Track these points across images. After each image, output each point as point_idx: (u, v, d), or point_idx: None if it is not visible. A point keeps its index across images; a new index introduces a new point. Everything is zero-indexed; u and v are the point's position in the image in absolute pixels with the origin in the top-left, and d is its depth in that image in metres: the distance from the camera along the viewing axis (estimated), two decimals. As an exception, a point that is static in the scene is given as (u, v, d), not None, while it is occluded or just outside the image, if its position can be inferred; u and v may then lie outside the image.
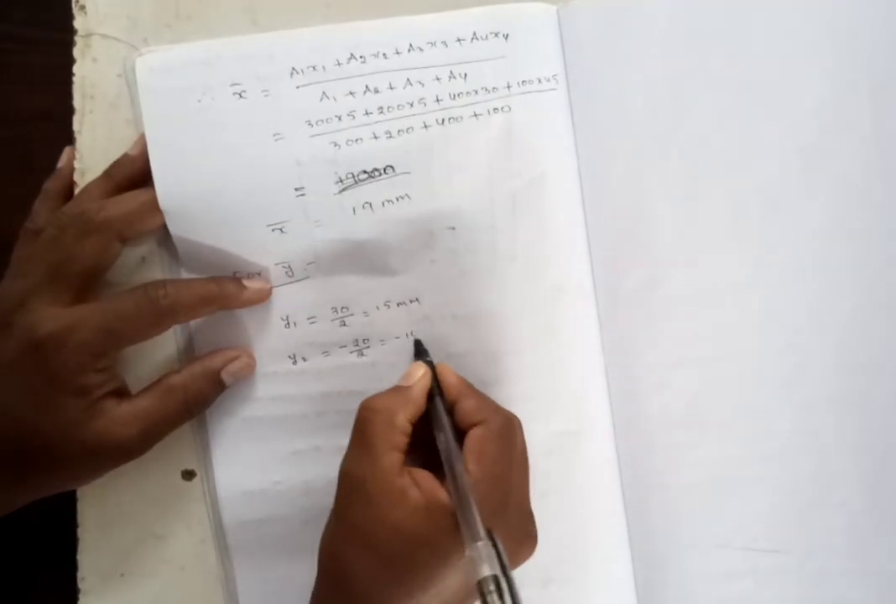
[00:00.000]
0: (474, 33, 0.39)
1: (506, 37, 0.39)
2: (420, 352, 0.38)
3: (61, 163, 0.39)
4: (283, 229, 0.38)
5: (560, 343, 0.39)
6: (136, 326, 0.34)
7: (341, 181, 0.38)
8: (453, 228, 0.39)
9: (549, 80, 0.39)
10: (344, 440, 0.34)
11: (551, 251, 0.39)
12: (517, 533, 0.34)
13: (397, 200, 0.38)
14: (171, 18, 0.40)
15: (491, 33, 0.39)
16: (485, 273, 0.39)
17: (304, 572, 0.38)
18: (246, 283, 0.37)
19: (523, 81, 0.39)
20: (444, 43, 0.39)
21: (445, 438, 0.33)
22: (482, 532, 0.29)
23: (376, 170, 0.38)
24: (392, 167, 0.38)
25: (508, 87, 0.39)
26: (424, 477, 0.32)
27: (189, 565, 0.39)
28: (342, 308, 0.38)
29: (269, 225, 0.38)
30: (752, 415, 0.39)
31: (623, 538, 0.40)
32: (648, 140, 0.39)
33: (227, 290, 0.36)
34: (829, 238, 0.39)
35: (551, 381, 0.39)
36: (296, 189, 0.38)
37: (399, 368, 0.38)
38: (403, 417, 0.33)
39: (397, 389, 0.35)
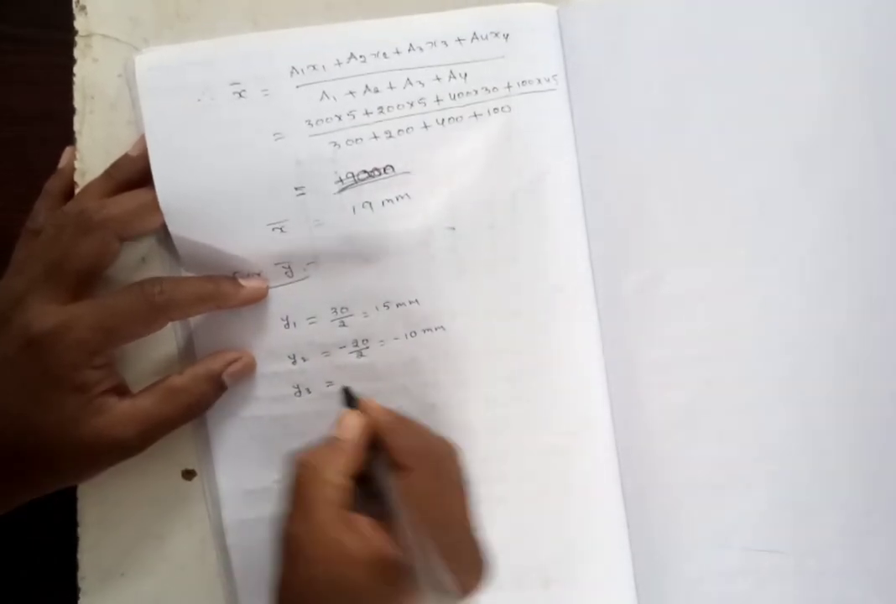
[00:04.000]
0: (474, 33, 0.39)
1: (506, 37, 0.39)
2: (351, 399, 0.36)
3: (62, 163, 0.39)
4: (283, 229, 0.38)
5: (560, 343, 0.39)
6: (132, 323, 0.34)
7: (341, 181, 0.38)
8: (453, 228, 0.39)
9: (548, 81, 0.39)
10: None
11: (551, 251, 0.39)
12: (467, 565, 0.33)
13: (397, 199, 0.38)
14: (171, 19, 0.40)
15: (491, 33, 0.39)
16: (485, 273, 0.39)
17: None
18: (242, 282, 0.37)
19: (523, 81, 0.39)
20: (445, 43, 0.39)
21: (383, 492, 0.33)
22: (449, 581, 0.28)
23: (376, 169, 0.38)
24: (392, 167, 0.38)
25: (508, 87, 0.39)
26: (365, 526, 0.31)
27: (189, 564, 0.39)
28: (342, 308, 0.38)
29: (268, 224, 0.38)
30: (752, 415, 0.39)
31: (623, 538, 0.40)
32: (648, 140, 0.39)
33: (223, 288, 0.36)
34: (828, 238, 0.39)
35: (551, 381, 0.39)
36: (296, 188, 0.38)
37: (398, 370, 0.38)
38: (334, 471, 0.32)
39: (329, 442, 0.34)
